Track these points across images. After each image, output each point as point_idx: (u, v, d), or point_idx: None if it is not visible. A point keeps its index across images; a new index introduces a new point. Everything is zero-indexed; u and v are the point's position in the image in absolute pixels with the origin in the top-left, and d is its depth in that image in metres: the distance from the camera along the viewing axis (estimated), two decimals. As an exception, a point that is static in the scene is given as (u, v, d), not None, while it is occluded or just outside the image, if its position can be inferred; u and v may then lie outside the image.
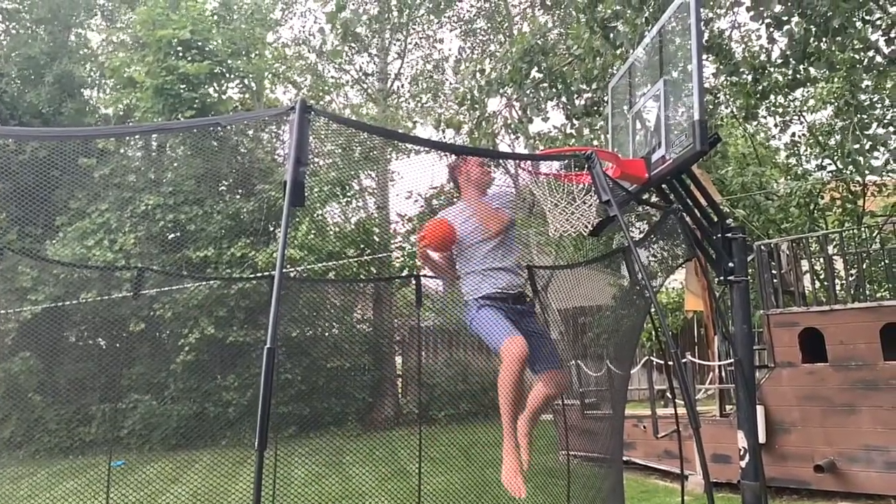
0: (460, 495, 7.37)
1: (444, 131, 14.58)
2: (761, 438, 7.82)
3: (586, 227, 3.69)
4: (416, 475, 6.96)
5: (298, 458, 7.92)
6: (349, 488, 9.30)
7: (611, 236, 16.60)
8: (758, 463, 3.44)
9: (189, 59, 16.00)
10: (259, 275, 13.39)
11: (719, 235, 3.62)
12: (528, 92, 8.95)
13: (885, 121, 12.22)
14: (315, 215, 17.17)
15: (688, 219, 3.78)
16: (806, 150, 14.94)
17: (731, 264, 3.57)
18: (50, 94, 17.33)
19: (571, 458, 6.71)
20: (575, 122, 9.45)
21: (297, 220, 16.36)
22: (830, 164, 13.59)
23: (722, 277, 3.64)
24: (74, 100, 18.00)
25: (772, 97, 11.62)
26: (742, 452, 3.51)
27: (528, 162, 4.05)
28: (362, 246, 17.36)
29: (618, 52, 7.31)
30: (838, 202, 14.28)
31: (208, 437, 13.38)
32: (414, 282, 6.71)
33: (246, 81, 18.92)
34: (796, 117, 14.68)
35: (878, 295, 11.87)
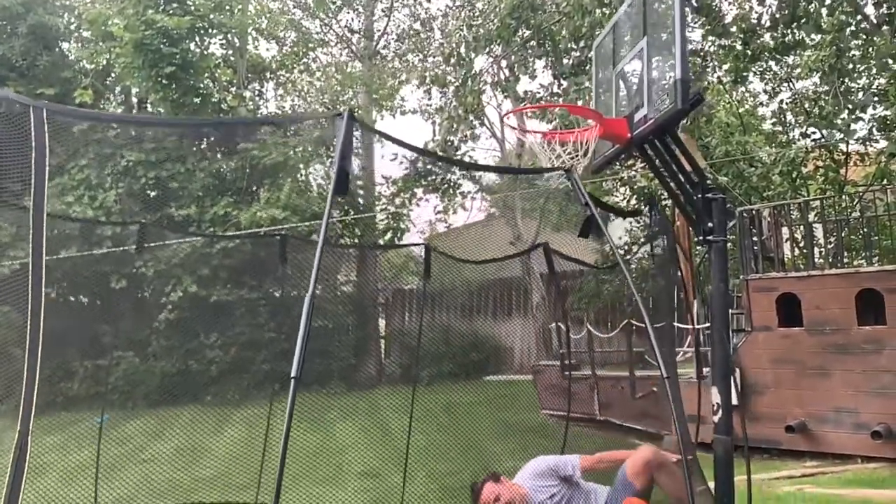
0: (443, 451, 7.52)
1: (429, 90, 14.47)
2: (735, 400, 8.00)
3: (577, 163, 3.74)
4: (397, 432, 7.08)
5: (280, 415, 8.00)
6: (331, 443, 9.44)
7: (596, 200, 16.65)
8: (730, 418, 3.54)
9: (169, 12, 15.63)
10: (261, 230, 13.33)
11: (700, 196, 3.64)
12: (515, 49, 8.89)
13: (871, 90, 12.26)
14: (298, 175, 17.06)
15: (671, 183, 3.82)
16: (792, 118, 14.99)
17: (710, 224, 3.61)
18: (24, 46, 16.79)
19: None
20: (562, 81, 9.41)
21: (280, 180, 16.25)
22: (815, 132, 13.65)
23: (701, 238, 3.69)
24: (51, 52, 17.51)
25: (761, 63, 11.61)
26: (715, 408, 3.60)
27: (516, 120, 4.08)
28: (346, 207, 17.30)
29: (605, 10, 7.25)
30: (821, 171, 14.39)
31: (192, 394, 13.45)
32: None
33: (228, 37, 18.57)
34: (785, 84, 14.70)
35: (856, 263, 12.04)
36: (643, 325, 10.37)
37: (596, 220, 3.44)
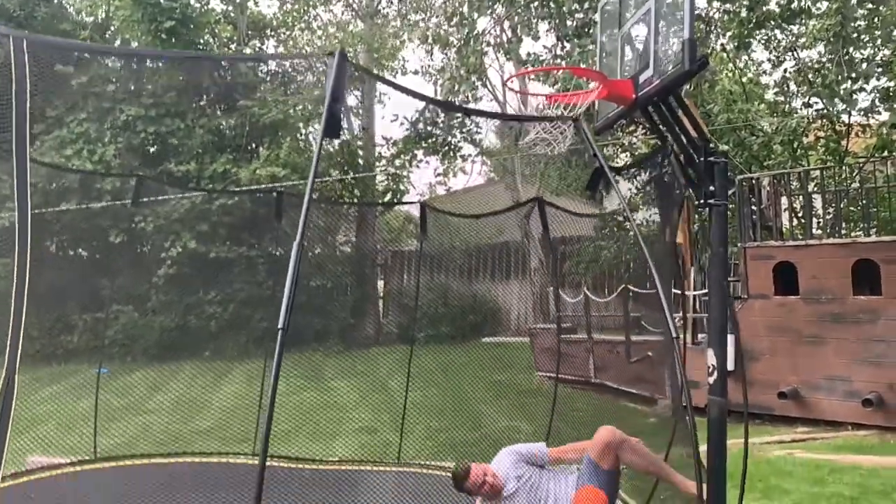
0: (439, 409, 7.64)
1: (430, 50, 14.30)
2: (730, 366, 8.10)
3: (561, 141, 3.75)
4: (394, 390, 7.19)
5: (280, 370, 8.11)
6: (329, 400, 9.57)
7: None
8: (725, 379, 3.60)
9: (170, -36, 15.37)
10: (263, 186, 13.29)
11: (702, 159, 3.65)
12: (518, 10, 8.76)
13: (875, 61, 12.15)
14: (297, 134, 16.96)
15: (674, 146, 3.82)
16: (795, 87, 14.87)
17: (711, 188, 3.62)
18: (22, -4, 16.59)
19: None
20: (565, 43, 9.31)
21: (280, 138, 16.16)
22: (817, 102, 13.56)
23: (702, 201, 3.70)
24: (49, 3, 17.27)
25: (765, 31, 11.47)
26: (710, 370, 3.65)
27: (516, 83, 4.06)
28: (346, 167, 17.25)
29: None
30: (822, 141, 14.33)
31: (191, 349, 13.56)
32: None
33: (229, -8, 18.31)
34: (789, 53, 14.55)
35: (854, 234, 12.08)
36: (642, 291, 10.44)
37: (605, 172, 3.38)
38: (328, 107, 2.98)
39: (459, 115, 15.51)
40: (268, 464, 6.06)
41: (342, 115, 3.07)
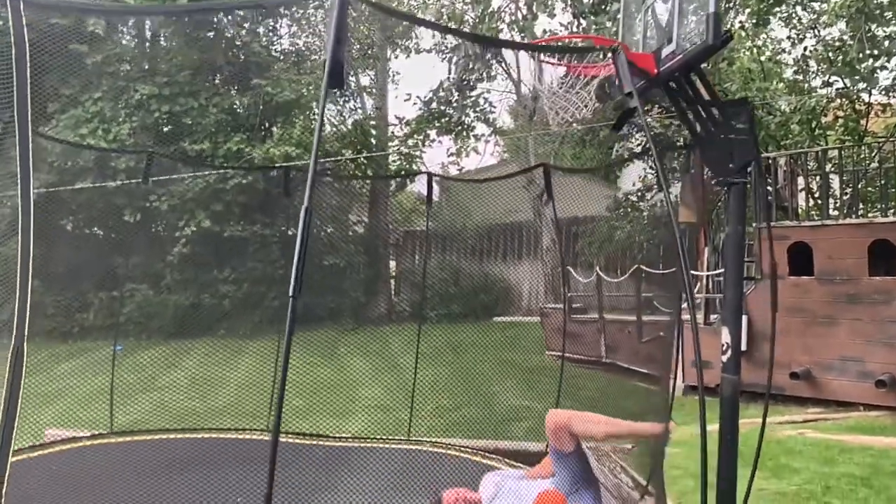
0: (449, 387, 7.68)
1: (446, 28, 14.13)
2: (743, 346, 8.08)
3: (582, 116, 3.69)
4: (406, 368, 7.22)
5: (294, 348, 8.17)
6: (342, 378, 9.64)
7: (609, 147, 16.49)
8: (739, 358, 3.58)
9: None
10: (275, 165, 13.29)
11: (722, 137, 3.61)
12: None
13: (896, 37, 11.96)
14: (311, 114, 16.93)
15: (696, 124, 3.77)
16: (814, 65, 14.66)
17: (731, 165, 3.59)
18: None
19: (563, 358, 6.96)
20: (581, 20, 9.20)
21: (294, 117, 16.14)
22: (837, 80, 13.37)
23: (721, 179, 3.67)
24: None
25: (785, 7, 11.28)
26: (724, 348, 3.64)
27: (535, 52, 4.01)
28: (359, 147, 17.23)
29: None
30: (841, 121, 14.15)
31: (205, 327, 13.67)
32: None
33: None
34: (809, 32, 14.33)
35: (871, 215, 11.95)
36: (657, 272, 10.41)
37: (638, 112, 3.15)
38: (331, 51, 2.61)
39: (473, 95, 15.35)
40: (283, 440, 6.12)
41: (346, 64, 2.73)
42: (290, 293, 2.37)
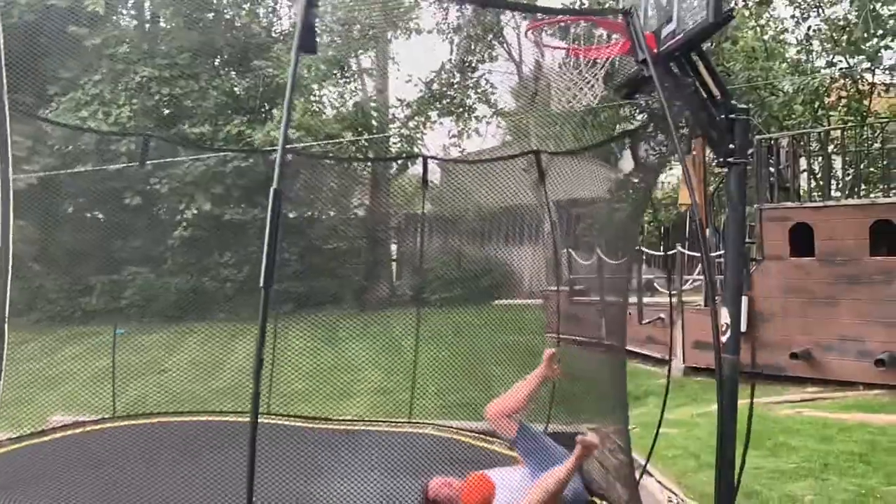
0: (450, 369, 7.69)
1: (446, 8, 14.07)
2: (743, 328, 8.08)
3: (591, 100, 3.65)
4: (407, 351, 7.24)
5: (295, 332, 8.20)
6: (343, 361, 9.66)
7: (612, 126, 16.39)
8: (738, 339, 3.57)
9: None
10: (270, 148, 13.24)
11: (723, 116, 3.58)
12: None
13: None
14: (311, 96, 16.85)
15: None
16: (818, 45, 14.55)
17: (731, 146, 3.55)
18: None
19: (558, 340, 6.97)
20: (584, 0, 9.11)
21: (293, 99, 16.04)
22: (841, 60, 13.27)
23: (722, 159, 3.64)
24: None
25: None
26: (724, 328, 3.63)
27: (534, 38, 3.97)
28: (360, 129, 17.15)
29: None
30: (844, 101, 14.06)
31: (206, 310, 13.70)
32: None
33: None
34: (814, 11, 14.21)
35: (872, 195, 11.92)
36: (653, 254, 10.38)
37: (654, 80, 3.09)
38: (303, 15, 2.55)
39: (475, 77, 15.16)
40: (284, 422, 6.14)
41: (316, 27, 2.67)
42: (262, 283, 2.31)
